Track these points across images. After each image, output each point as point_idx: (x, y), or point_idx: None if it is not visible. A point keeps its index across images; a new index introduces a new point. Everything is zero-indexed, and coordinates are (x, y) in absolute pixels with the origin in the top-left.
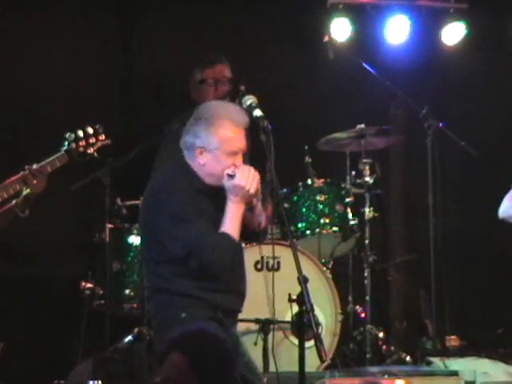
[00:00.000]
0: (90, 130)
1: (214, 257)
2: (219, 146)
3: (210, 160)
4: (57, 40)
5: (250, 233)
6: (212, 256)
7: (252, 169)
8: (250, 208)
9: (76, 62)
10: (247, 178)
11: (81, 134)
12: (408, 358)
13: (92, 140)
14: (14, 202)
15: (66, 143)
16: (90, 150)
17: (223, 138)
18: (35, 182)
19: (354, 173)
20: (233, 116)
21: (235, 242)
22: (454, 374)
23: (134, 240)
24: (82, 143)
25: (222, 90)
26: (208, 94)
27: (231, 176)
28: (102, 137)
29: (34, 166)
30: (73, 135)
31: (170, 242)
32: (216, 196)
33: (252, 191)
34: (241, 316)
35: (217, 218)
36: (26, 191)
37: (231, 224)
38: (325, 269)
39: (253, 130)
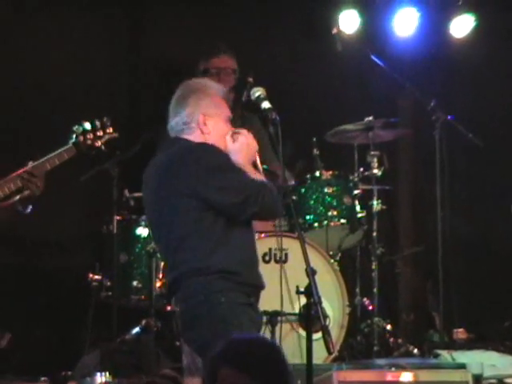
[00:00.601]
0: (98, 123)
1: (274, 194)
2: (219, 111)
3: (213, 127)
4: (65, 30)
5: None
6: (270, 196)
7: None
8: None
9: (83, 55)
10: (250, 137)
11: (88, 126)
12: (415, 351)
13: (99, 133)
14: (16, 198)
15: (74, 136)
16: (98, 143)
17: (220, 104)
18: (33, 183)
19: (361, 167)
20: (219, 89)
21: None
22: (462, 366)
23: (142, 231)
24: (90, 136)
25: (225, 80)
26: None
27: (236, 134)
28: (110, 130)
29: (30, 165)
30: (80, 128)
31: (225, 193)
32: None
33: (256, 148)
34: None
35: None
36: (26, 192)
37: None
38: (332, 261)
39: (261, 121)
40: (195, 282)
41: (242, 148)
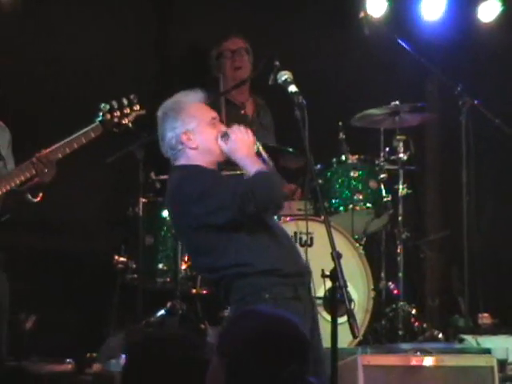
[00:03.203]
0: (125, 101)
1: (264, 188)
2: (198, 119)
3: (200, 138)
4: (93, 12)
5: None
6: (261, 188)
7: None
8: None
9: (112, 34)
10: (241, 130)
11: (115, 104)
12: (440, 336)
13: (126, 110)
14: (25, 185)
15: (101, 114)
16: (125, 121)
17: (196, 112)
18: (46, 170)
19: (387, 149)
20: (192, 96)
21: (269, 173)
22: (487, 351)
23: (168, 214)
24: (117, 114)
25: (239, 60)
26: (226, 67)
27: (226, 134)
28: (137, 107)
29: (42, 152)
30: (107, 106)
31: (219, 210)
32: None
33: (251, 138)
34: None
35: None
36: (35, 179)
37: (254, 168)
38: (358, 245)
39: (284, 106)
40: (242, 284)
41: (237, 145)
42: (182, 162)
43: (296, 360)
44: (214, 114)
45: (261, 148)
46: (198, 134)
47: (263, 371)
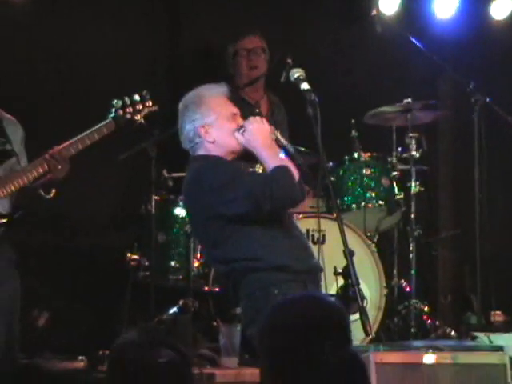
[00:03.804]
0: (137, 97)
1: (281, 186)
2: (217, 113)
3: (217, 132)
4: (106, 11)
5: None
6: (279, 186)
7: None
8: None
9: (124, 32)
10: (257, 121)
11: (128, 100)
12: (453, 333)
13: (139, 106)
14: (38, 182)
15: (113, 110)
16: (138, 117)
17: (216, 106)
18: (59, 167)
19: (400, 147)
20: (214, 90)
21: (288, 169)
22: (499, 349)
23: (180, 212)
24: (129, 110)
25: (255, 59)
26: (242, 65)
27: (241, 127)
28: (149, 103)
29: (55, 148)
30: (120, 102)
31: (235, 203)
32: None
33: (267, 127)
34: None
35: None
36: (48, 175)
37: (273, 161)
38: (370, 242)
39: (298, 104)
40: (252, 279)
41: (253, 137)
42: (200, 153)
43: (339, 332)
44: (234, 109)
45: (279, 135)
46: (215, 128)
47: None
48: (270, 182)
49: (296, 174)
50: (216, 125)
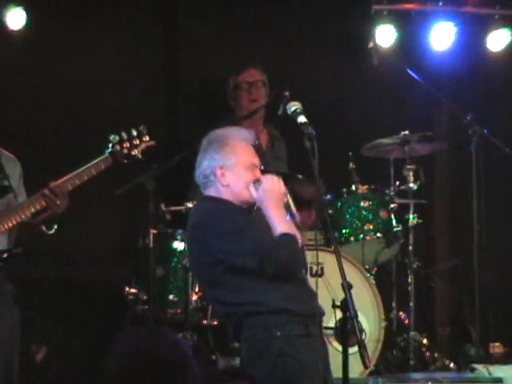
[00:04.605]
0: (134, 132)
1: (287, 254)
2: (238, 160)
3: (233, 178)
4: (103, 43)
5: None
6: (285, 253)
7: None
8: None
9: (121, 65)
10: (273, 180)
11: (125, 135)
12: (452, 365)
13: (136, 142)
14: (39, 217)
15: (110, 145)
16: (135, 152)
17: (240, 152)
18: (58, 202)
19: (398, 181)
20: (242, 134)
21: (295, 237)
22: (498, 380)
23: (178, 245)
24: (126, 145)
25: (256, 93)
26: (243, 98)
27: (258, 182)
28: (146, 138)
29: (52, 184)
30: (117, 137)
31: (239, 256)
32: (249, 214)
33: (282, 189)
34: None
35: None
36: (49, 211)
37: (280, 224)
38: (368, 275)
39: (297, 136)
40: (253, 322)
41: (266, 196)
42: (211, 193)
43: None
44: (256, 160)
45: (290, 201)
46: (232, 172)
47: None
48: (278, 248)
49: (299, 240)
50: (234, 170)
